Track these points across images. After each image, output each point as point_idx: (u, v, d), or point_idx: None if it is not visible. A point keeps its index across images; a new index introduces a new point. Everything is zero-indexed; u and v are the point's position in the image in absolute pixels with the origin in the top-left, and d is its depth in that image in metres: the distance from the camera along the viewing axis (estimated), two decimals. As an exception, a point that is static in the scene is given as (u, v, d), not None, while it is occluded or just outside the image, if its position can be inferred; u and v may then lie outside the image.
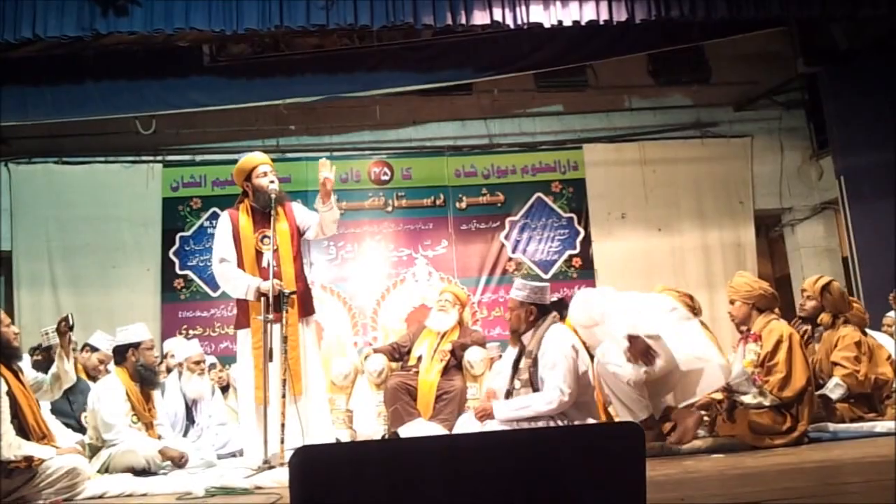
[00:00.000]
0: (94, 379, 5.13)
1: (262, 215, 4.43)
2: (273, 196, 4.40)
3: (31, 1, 5.68)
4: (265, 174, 4.47)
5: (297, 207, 4.63)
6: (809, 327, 5.22)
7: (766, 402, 4.29)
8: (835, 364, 4.88)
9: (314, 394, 4.33)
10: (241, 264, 4.38)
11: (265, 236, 4.37)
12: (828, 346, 4.99)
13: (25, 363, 4.50)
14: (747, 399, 4.36)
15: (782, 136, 8.53)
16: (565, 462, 1.42)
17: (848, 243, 7.65)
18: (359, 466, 1.31)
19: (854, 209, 7.47)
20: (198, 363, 5.68)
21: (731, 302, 4.70)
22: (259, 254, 4.37)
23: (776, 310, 4.66)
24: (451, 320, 5.89)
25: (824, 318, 5.07)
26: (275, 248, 4.32)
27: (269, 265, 4.26)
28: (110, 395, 4.72)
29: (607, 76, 8.25)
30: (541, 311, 4.31)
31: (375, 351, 6.01)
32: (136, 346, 4.88)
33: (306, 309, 4.46)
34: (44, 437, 4.04)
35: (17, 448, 3.81)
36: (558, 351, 4.13)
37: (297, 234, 4.51)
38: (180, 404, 5.53)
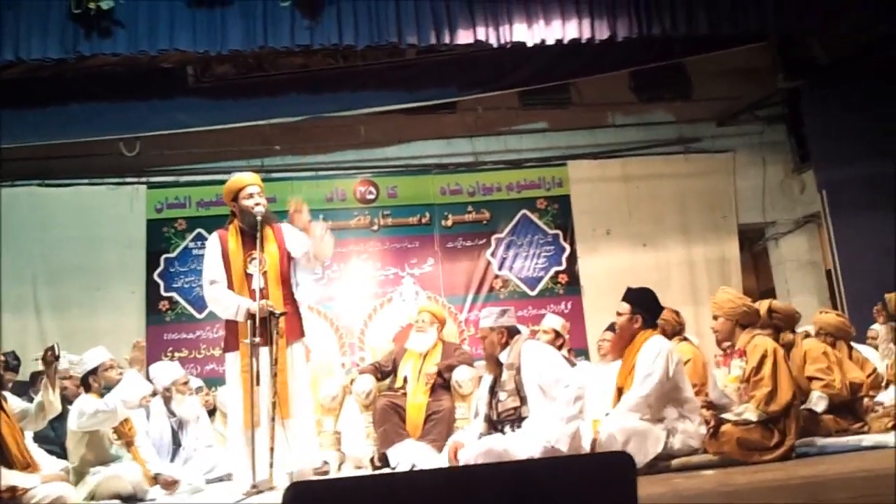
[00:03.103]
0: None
1: (251, 236, 4.40)
2: (258, 218, 4.39)
3: (14, 23, 5.65)
4: (251, 195, 4.45)
5: (286, 229, 4.59)
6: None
7: (753, 418, 4.30)
8: (811, 378, 4.90)
9: (301, 416, 4.31)
10: (230, 286, 4.36)
11: (253, 258, 4.35)
12: (798, 362, 4.96)
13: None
14: (730, 416, 4.36)
15: (764, 151, 8.60)
16: (555, 494, 1.41)
17: (831, 256, 7.71)
18: (352, 502, 1.30)
19: (837, 222, 7.54)
20: (185, 384, 5.68)
21: (715, 318, 4.66)
22: (249, 276, 4.35)
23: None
24: (431, 339, 5.88)
25: (785, 337, 4.96)
26: (263, 270, 4.31)
27: (256, 288, 4.24)
28: (89, 404, 4.68)
29: (591, 93, 8.30)
30: (510, 332, 4.50)
31: (360, 372, 6.00)
32: (94, 371, 4.84)
33: (295, 332, 4.44)
34: (28, 465, 4.00)
35: None
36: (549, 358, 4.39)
37: (287, 257, 4.49)
38: (166, 428, 5.49)
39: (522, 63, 7.19)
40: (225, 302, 4.34)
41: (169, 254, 7.77)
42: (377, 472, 5.14)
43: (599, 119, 8.61)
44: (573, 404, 4.07)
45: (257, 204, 4.42)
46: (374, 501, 1.32)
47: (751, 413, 4.30)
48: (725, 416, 4.36)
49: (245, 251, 4.39)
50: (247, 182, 4.53)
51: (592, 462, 1.58)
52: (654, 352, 4.36)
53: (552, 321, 6.18)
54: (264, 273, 4.30)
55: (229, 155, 8.08)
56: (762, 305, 4.99)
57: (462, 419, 5.47)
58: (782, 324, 4.93)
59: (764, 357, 4.37)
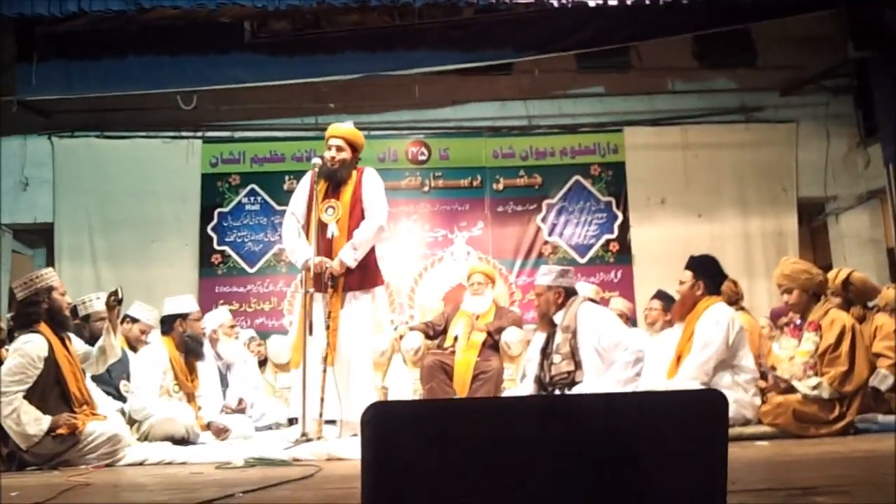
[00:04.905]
0: (134, 349, 5.18)
1: (332, 183, 4.54)
2: (315, 169, 4.49)
3: (77, -25, 5.72)
4: (330, 147, 4.62)
5: (369, 180, 4.66)
6: None
7: (825, 396, 4.17)
8: (877, 355, 4.72)
9: (355, 367, 4.34)
10: (306, 225, 4.54)
11: (329, 206, 4.49)
12: (867, 338, 4.81)
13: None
14: (803, 390, 4.24)
15: (829, 123, 8.29)
16: (648, 426, 1.36)
17: (894, 234, 7.46)
18: (430, 424, 1.28)
19: (902, 199, 7.27)
20: (231, 327, 5.83)
21: (788, 291, 4.49)
22: (323, 222, 4.47)
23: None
24: (488, 301, 5.88)
25: (854, 312, 4.78)
26: (337, 217, 4.38)
27: (313, 243, 4.37)
28: (147, 366, 4.77)
29: (650, 58, 8.08)
30: (567, 293, 4.45)
31: (411, 329, 6.02)
32: (183, 316, 4.95)
33: (361, 282, 4.48)
34: (85, 403, 4.07)
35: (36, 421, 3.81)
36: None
37: (360, 205, 4.54)
38: (215, 371, 5.59)
39: (582, 24, 7.01)
40: (292, 245, 4.55)
41: (222, 208, 7.82)
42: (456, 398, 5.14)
43: (658, 85, 8.38)
44: (632, 367, 4.02)
45: (329, 154, 4.57)
46: (452, 424, 1.29)
47: (824, 391, 4.18)
48: (797, 384, 4.24)
49: (325, 197, 4.53)
50: (331, 133, 4.72)
51: (686, 397, 1.53)
52: (714, 319, 4.27)
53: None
54: (338, 220, 4.39)
55: (284, 112, 8.09)
56: (839, 275, 4.84)
57: (509, 380, 5.46)
58: (854, 297, 4.76)
59: (842, 334, 4.24)
